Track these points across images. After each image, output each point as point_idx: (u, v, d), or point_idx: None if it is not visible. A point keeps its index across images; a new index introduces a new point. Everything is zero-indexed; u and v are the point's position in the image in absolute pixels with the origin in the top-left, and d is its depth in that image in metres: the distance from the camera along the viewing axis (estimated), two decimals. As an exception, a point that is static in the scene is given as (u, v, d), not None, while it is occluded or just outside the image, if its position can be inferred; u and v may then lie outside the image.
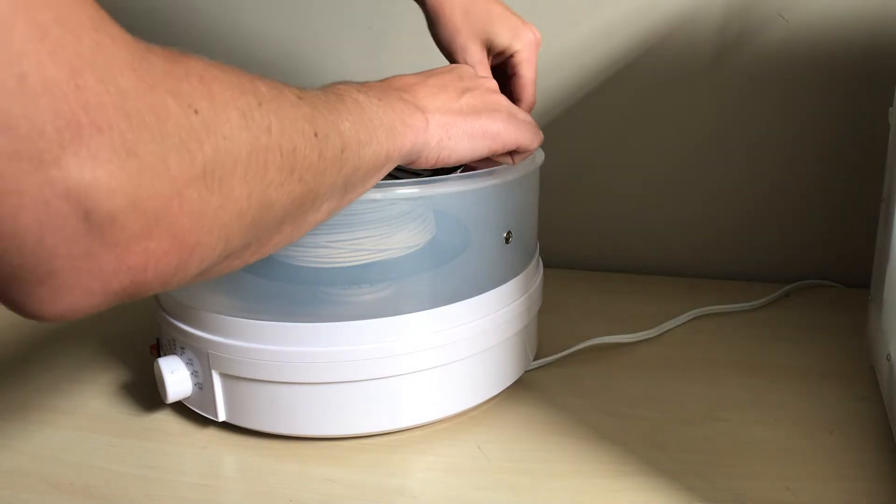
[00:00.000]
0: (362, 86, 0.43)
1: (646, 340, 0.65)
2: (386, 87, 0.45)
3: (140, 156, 0.25)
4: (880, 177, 0.60)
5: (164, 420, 0.54)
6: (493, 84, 0.53)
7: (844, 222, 0.76)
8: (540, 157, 0.58)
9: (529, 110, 0.58)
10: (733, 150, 0.77)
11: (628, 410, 0.54)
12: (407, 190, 0.49)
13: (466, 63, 0.56)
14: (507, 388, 0.56)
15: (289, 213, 0.33)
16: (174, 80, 0.26)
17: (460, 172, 0.52)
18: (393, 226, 0.51)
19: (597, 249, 0.83)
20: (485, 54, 0.57)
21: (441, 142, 0.46)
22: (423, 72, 0.50)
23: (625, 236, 0.82)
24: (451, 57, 0.57)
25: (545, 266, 0.62)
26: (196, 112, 0.27)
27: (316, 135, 0.34)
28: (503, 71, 0.58)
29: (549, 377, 0.59)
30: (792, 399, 0.55)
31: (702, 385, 0.58)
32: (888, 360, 0.49)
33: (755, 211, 0.78)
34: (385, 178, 0.52)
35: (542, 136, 0.53)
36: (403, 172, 0.54)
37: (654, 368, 0.60)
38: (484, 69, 0.56)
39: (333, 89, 0.40)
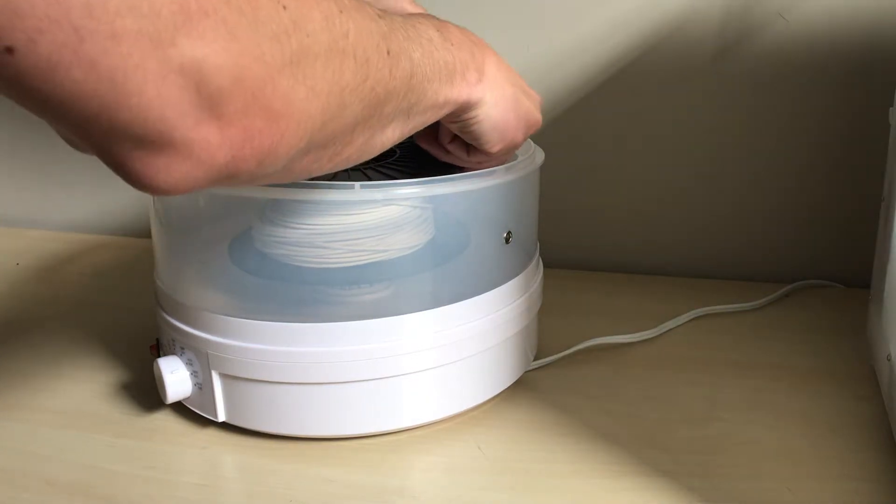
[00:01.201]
0: (441, 25, 0.45)
1: (646, 340, 0.65)
2: (462, 34, 0.46)
3: (240, 40, 0.27)
4: (880, 177, 0.60)
5: (164, 420, 0.54)
6: (540, 104, 0.53)
7: (844, 222, 0.76)
8: (540, 157, 0.58)
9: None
10: (733, 150, 0.77)
11: (628, 410, 0.54)
12: (407, 190, 0.49)
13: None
14: (507, 388, 0.56)
15: (361, 120, 0.36)
16: None
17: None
18: (393, 225, 0.51)
19: (597, 249, 0.83)
20: None
21: (481, 110, 0.46)
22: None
23: (625, 236, 0.82)
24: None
25: (545, 266, 0.62)
26: (284, 8, 0.29)
27: (388, 52, 0.36)
28: None
29: (549, 377, 0.59)
30: (792, 399, 0.55)
31: (702, 385, 0.58)
32: (888, 360, 0.50)
33: (755, 211, 0.78)
34: (384, 179, 0.52)
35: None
36: (400, 172, 0.54)
37: (654, 368, 0.60)
38: None
39: (414, 20, 0.42)
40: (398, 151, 0.59)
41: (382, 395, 0.50)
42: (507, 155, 0.53)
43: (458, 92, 0.44)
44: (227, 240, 0.55)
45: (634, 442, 0.51)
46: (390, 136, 0.40)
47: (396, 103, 0.38)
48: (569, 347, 0.61)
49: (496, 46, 0.81)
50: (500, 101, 0.47)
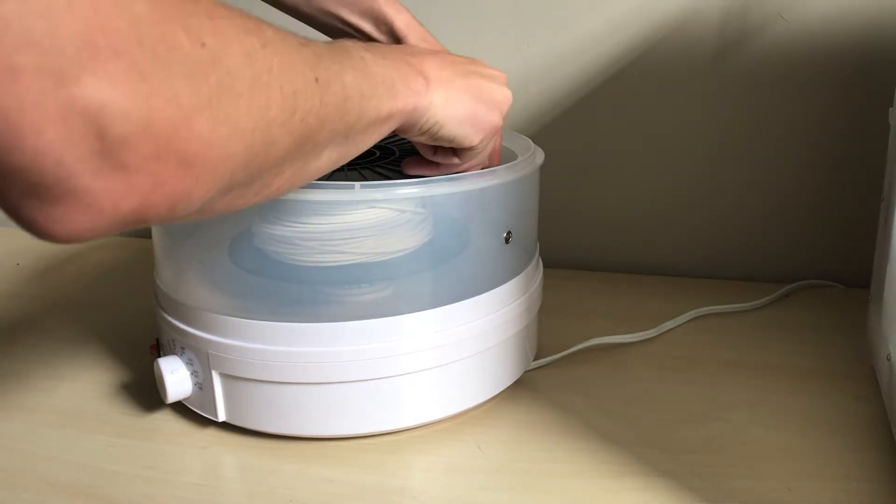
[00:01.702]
0: (370, 45, 0.44)
1: (646, 340, 0.65)
2: (394, 49, 0.46)
3: (151, 81, 0.26)
4: (880, 177, 0.60)
5: (164, 420, 0.54)
6: (505, 80, 0.52)
7: (844, 222, 0.76)
8: (540, 157, 0.58)
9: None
10: (733, 150, 0.77)
11: (628, 410, 0.54)
12: (407, 190, 0.49)
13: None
14: (507, 388, 0.56)
15: (290, 154, 0.34)
16: (185, 13, 0.27)
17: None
18: (392, 225, 0.51)
19: (597, 249, 0.83)
20: None
21: (437, 113, 0.46)
22: (438, 50, 0.50)
23: (625, 236, 0.82)
24: None
25: (545, 266, 0.62)
26: (203, 45, 0.28)
27: (317, 80, 0.35)
28: None
29: (549, 377, 0.59)
30: (792, 399, 0.55)
31: (702, 385, 0.58)
32: (888, 360, 0.50)
33: (755, 211, 0.78)
34: (384, 178, 0.52)
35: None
36: (400, 172, 0.54)
37: (654, 368, 0.60)
38: None
39: (340, 44, 0.41)
40: (397, 151, 0.59)
41: (382, 395, 0.50)
42: (492, 140, 0.51)
43: (403, 102, 0.43)
44: (227, 240, 0.55)
45: (634, 442, 0.51)
46: (326, 160, 0.39)
47: (331, 128, 0.37)
48: (569, 347, 0.61)
49: (496, 46, 0.81)
50: (453, 97, 0.46)
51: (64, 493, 0.47)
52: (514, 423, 0.53)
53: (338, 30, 0.55)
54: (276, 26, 0.34)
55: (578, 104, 0.79)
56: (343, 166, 0.55)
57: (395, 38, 0.53)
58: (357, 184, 0.47)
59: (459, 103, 0.47)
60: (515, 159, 0.55)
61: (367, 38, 0.54)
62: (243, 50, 0.30)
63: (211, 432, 0.53)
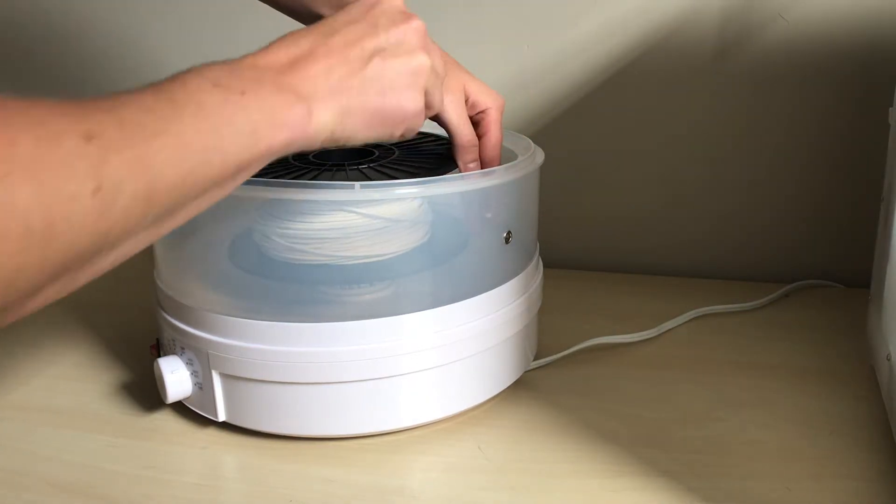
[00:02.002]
0: (227, 71, 0.37)
1: (646, 340, 0.65)
2: (263, 68, 0.38)
3: None
4: (880, 177, 0.60)
5: (164, 420, 0.54)
6: (418, 26, 0.44)
7: (844, 222, 0.76)
8: (540, 157, 0.58)
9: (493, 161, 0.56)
10: (733, 151, 0.77)
11: (628, 410, 0.54)
12: (407, 190, 0.49)
13: (455, 125, 0.52)
14: (507, 388, 0.56)
15: (46, 281, 0.29)
16: None
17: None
18: (392, 225, 0.51)
19: (597, 249, 0.83)
20: (465, 114, 0.54)
21: (334, 132, 0.40)
22: (329, 21, 0.42)
23: (625, 236, 0.82)
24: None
25: (545, 266, 0.62)
26: None
27: (99, 189, 0.29)
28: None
29: (549, 377, 0.59)
30: (792, 399, 0.55)
31: (702, 385, 0.58)
32: (888, 360, 0.49)
33: (755, 211, 0.78)
34: (383, 178, 0.52)
35: (470, 137, 0.52)
36: (400, 172, 0.54)
37: (654, 368, 0.60)
38: (469, 131, 0.54)
39: (174, 89, 0.34)
40: (397, 151, 0.59)
41: (382, 395, 0.50)
42: (443, 93, 0.47)
43: (267, 144, 0.37)
44: (227, 240, 0.55)
45: (634, 442, 0.51)
46: (126, 253, 0.34)
47: (119, 233, 0.31)
48: (569, 347, 0.61)
49: (496, 47, 0.81)
50: (350, 107, 0.41)
51: (64, 492, 0.47)
52: (514, 423, 0.53)
53: None
54: (60, 119, 0.29)
55: (578, 104, 0.79)
56: (343, 166, 0.55)
57: None
58: (357, 184, 0.47)
59: (359, 109, 0.41)
60: (515, 159, 0.55)
61: None
62: None
63: (211, 432, 0.53)
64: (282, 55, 0.39)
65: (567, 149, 0.80)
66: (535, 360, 0.60)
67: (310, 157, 0.57)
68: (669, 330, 0.66)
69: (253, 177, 0.51)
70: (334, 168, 0.54)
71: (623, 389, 0.57)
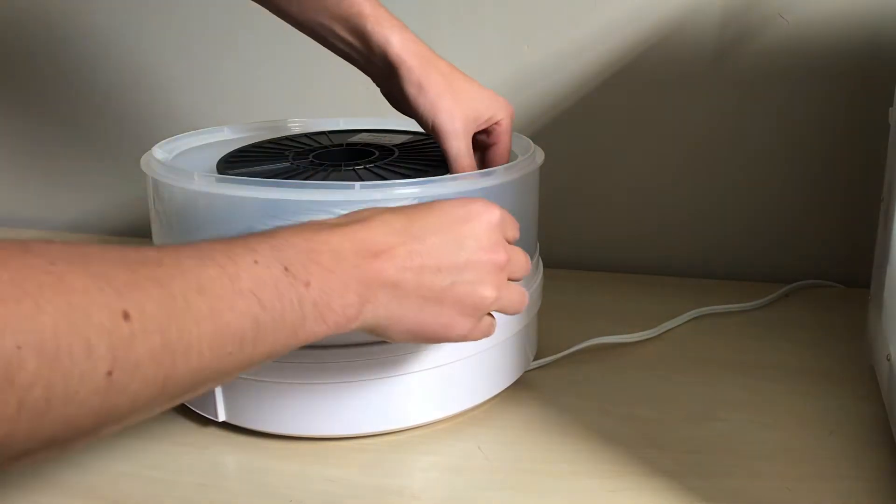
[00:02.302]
0: (304, 253, 0.36)
1: (646, 340, 0.65)
2: (343, 256, 0.38)
3: None
4: (880, 177, 0.60)
5: (164, 420, 0.54)
6: (498, 261, 0.43)
7: (844, 222, 0.76)
8: (540, 156, 0.58)
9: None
10: (733, 150, 0.77)
11: (628, 410, 0.54)
12: (407, 190, 0.49)
13: (454, 155, 0.53)
14: (507, 388, 0.56)
15: (36, 448, 0.28)
16: None
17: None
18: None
19: (597, 249, 0.83)
20: (469, 132, 0.54)
21: (372, 329, 0.40)
22: (420, 215, 0.42)
23: (625, 236, 0.82)
24: (425, 127, 0.54)
25: (545, 266, 0.62)
26: None
27: (113, 371, 0.28)
28: (479, 139, 0.57)
29: (549, 377, 0.59)
30: (792, 399, 0.55)
31: (702, 385, 0.58)
32: (888, 360, 0.49)
33: (755, 211, 0.78)
34: (383, 179, 0.52)
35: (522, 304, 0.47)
36: (400, 172, 0.54)
37: (654, 368, 0.60)
38: (469, 161, 0.54)
39: (242, 264, 0.33)
40: (397, 151, 0.59)
41: (382, 395, 0.50)
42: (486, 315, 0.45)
43: (310, 334, 0.36)
44: (227, 240, 0.55)
45: (634, 442, 0.51)
46: (186, 399, 0.33)
47: (149, 404, 0.30)
48: (569, 347, 0.61)
49: (496, 47, 0.81)
50: (404, 319, 0.40)
51: (64, 493, 0.47)
52: (514, 423, 0.53)
53: (333, 46, 0.55)
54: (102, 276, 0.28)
55: (578, 104, 0.79)
56: (343, 166, 0.55)
57: (389, 63, 0.52)
58: (357, 184, 0.47)
59: (408, 321, 0.41)
60: (515, 159, 0.55)
61: (362, 56, 0.54)
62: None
63: (211, 432, 0.53)
64: (370, 242, 0.39)
65: (567, 149, 0.80)
66: (535, 360, 0.60)
67: (310, 157, 0.58)
68: (669, 330, 0.66)
69: (253, 177, 0.51)
70: (335, 168, 0.54)
71: (623, 389, 0.57)
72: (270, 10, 0.56)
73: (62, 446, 0.28)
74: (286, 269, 0.35)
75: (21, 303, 0.25)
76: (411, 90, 0.53)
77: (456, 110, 0.53)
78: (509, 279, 0.45)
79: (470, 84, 0.55)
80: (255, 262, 0.34)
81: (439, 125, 0.53)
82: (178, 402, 0.32)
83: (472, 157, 0.55)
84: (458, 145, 0.53)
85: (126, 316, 0.28)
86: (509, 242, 0.45)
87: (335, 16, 0.53)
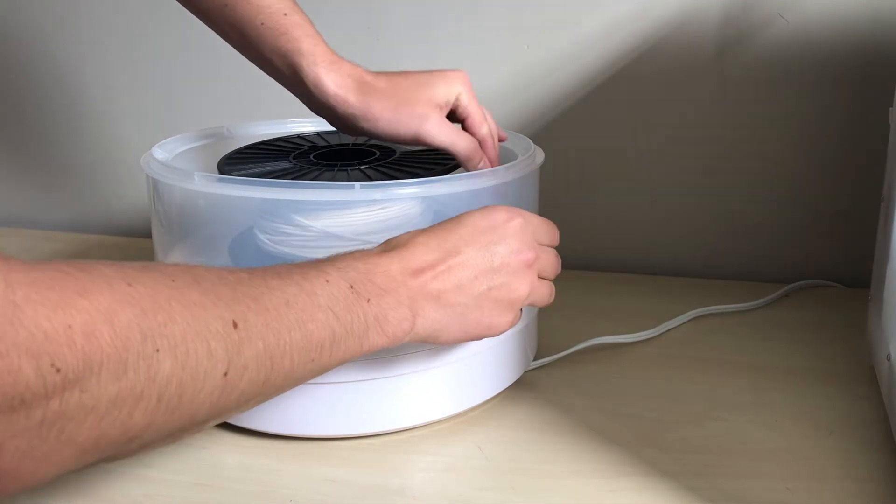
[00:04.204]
0: (363, 273, 0.41)
1: (646, 340, 0.65)
2: (392, 277, 0.42)
3: None
4: (880, 177, 0.60)
5: (164, 420, 0.54)
6: (528, 260, 0.47)
7: (844, 222, 0.76)
8: (540, 156, 0.58)
9: (497, 139, 0.58)
10: (733, 150, 0.77)
11: (628, 410, 0.54)
12: (407, 190, 0.49)
13: (454, 149, 0.54)
14: (507, 388, 0.56)
15: (163, 438, 0.33)
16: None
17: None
18: (393, 225, 0.51)
19: (597, 249, 0.83)
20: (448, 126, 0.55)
21: (422, 338, 0.44)
22: (452, 230, 0.46)
23: (625, 236, 0.82)
24: (409, 144, 0.55)
25: (545, 266, 0.62)
26: (57, 370, 0.27)
27: (228, 372, 0.33)
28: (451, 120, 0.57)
29: (549, 377, 0.59)
30: (792, 399, 0.55)
31: (702, 385, 0.58)
32: (888, 360, 0.49)
33: (755, 211, 0.78)
34: (383, 178, 0.52)
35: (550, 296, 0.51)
36: (400, 172, 0.54)
37: (654, 368, 0.60)
38: (466, 141, 0.55)
39: (316, 282, 0.39)
40: (398, 151, 0.59)
41: (382, 395, 0.50)
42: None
43: (373, 345, 0.41)
44: (227, 240, 0.55)
45: (634, 442, 0.51)
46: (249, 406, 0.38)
47: (251, 400, 0.36)
48: (569, 347, 0.61)
49: (496, 47, 0.81)
50: (451, 325, 0.45)
51: (63, 493, 0.47)
52: (514, 423, 0.53)
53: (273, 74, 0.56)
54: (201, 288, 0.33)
55: (578, 104, 0.79)
56: (344, 166, 0.55)
57: (333, 108, 0.53)
58: (357, 184, 0.47)
59: (454, 327, 0.45)
60: (515, 159, 0.55)
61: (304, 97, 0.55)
62: (119, 367, 0.29)
63: (211, 432, 0.53)
64: (412, 262, 0.43)
65: (567, 149, 0.80)
66: (535, 360, 0.60)
67: (311, 157, 0.58)
68: (669, 330, 0.66)
69: (253, 177, 0.51)
70: (335, 168, 0.54)
71: (623, 389, 0.57)
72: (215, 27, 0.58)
73: (179, 437, 0.34)
74: (351, 286, 0.40)
75: (157, 314, 0.30)
76: (366, 126, 0.54)
77: (415, 117, 0.53)
78: (541, 278, 0.49)
79: (414, 80, 0.55)
80: (327, 281, 0.39)
81: (419, 138, 0.54)
82: (265, 401, 0.38)
83: (462, 134, 0.55)
84: (449, 140, 0.54)
85: (235, 325, 0.33)
86: (545, 245, 0.50)
87: (272, 48, 0.54)
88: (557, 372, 0.59)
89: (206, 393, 0.32)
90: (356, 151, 0.60)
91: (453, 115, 0.57)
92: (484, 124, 0.57)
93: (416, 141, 0.54)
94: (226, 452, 0.51)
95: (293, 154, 0.58)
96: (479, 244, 0.45)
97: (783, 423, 0.53)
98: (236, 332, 0.33)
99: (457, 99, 0.56)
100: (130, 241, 0.93)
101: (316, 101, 0.54)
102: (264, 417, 0.51)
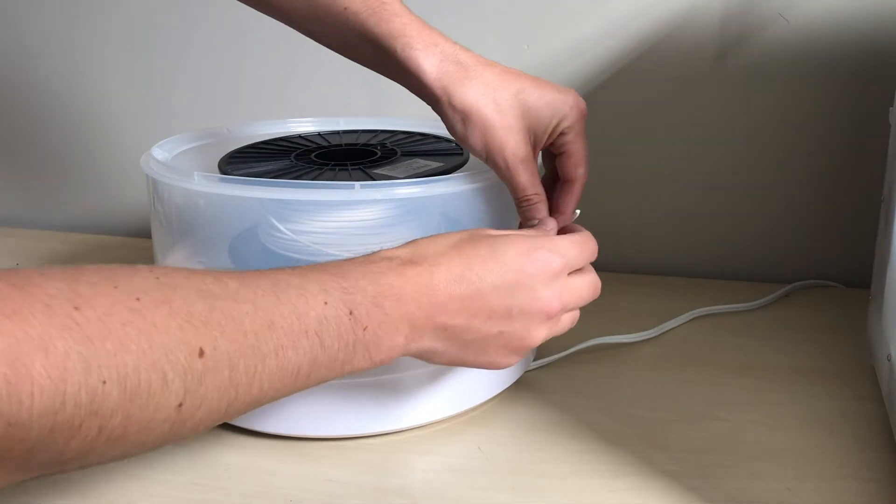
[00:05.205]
0: (370, 299, 0.38)
1: (646, 340, 0.65)
2: (403, 299, 0.39)
3: None
4: (880, 177, 0.60)
5: (164, 420, 0.54)
6: (550, 309, 0.43)
7: (844, 222, 0.76)
8: (540, 157, 0.58)
9: (583, 186, 0.52)
10: (733, 151, 0.77)
11: (628, 410, 0.54)
12: (407, 190, 0.49)
13: (520, 189, 0.49)
14: (507, 388, 0.56)
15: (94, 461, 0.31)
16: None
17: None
18: (393, 225, 0.51)
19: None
20: (531, 155, 0.49)
21: (413, 356, 0.42)
22: (483, 262, 0.42)
23: (625, 236, 0.82)
24: (479, 157, 0.50)
25: (545, 266, 0.62)
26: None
27: (183, 404, 0.31)
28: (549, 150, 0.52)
29: (549, 377, 0.59)
30: (792, 399, 0.55)
31: (702, 385, 0.58)
32: (888, 360, 0.49)
33: (755, 211, 0.78)
34: (383, 178, 0.52)
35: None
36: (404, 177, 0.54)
37: (654, 368, 0.60)
38: (535, 182, 0.49)
39: (312, 304, 0.36)
40: (398, 151, 0.59)
41: (382, 395, 0.50)
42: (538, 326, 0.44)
43: (354, 367, 0.38)
44: (228, 240, 0.55)
45: (634, 442, 0.51)
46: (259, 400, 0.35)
47: (208, 426, 0.33)
48: (569, 347, 0.61)
49: (496, 46, 0.81)
50: (446, 353, 0.42)
51: (64, 492, 0.47)
52: (514, 423, 0.53)
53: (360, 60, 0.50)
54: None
55: (578, 104, 0.79)
56: (344, 166, 0.55)
57: (425, 93, 0.48)
58: (357, 184, 0.47)
59: (450, 355, 0.43)
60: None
61: (397, 77, 0.49)
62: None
63: (210, 432, 0.53)
64: (429, 289, 0.40)
65: (567, 149, 0.79)
66: (535, 360, 0.60)
67: (312, 156, 0.58)
68: (669, 330, 0.66)
69: (254, 177, 0.51)
70: (336, 168, 0.54)
71: (623, 389, 0.57)
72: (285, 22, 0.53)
73: (126, 458, 0.31)
74: (351, 312, 0.37)
75: (107, 341, 0.28)
76: (457, 126, 0.48)
77: (510, 141, 0.47)
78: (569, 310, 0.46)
79: (526, 91, 0.48)
80: (325, 302, 0.36)
81: (494, 163, 0.48)
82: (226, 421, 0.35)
83: (538, 185, 0.50)
84: (519, 181, 0.48)
85: (201, 353, 0.31)
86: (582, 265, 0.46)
87: (362, 34, 0.48)
88: (557, 372, 0.59)
89: (157, 424, 0.30)
90: (357, 151, 0.60)
91: (553, 145, 0.51)
92: (581, 169, 0.51)
93: (490, 165, 0.49)
94: (226, 452, 0.51)
95: (294, 154, 0.58)
96: (504, 283, 0.42)
97: (783, 423, 0.53)
98: (201, 360, 0.31)
99: (563, 133, 0.49)
100: (130, 241, 0.93)
101: (410, 82, 0.48)
102: (264, 417, 0.51)
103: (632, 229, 0.82)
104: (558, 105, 0.48)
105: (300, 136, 0.65)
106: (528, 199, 0.49)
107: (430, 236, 0.43)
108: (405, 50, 0.46)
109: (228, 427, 0.52)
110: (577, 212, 0.53)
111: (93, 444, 0.28)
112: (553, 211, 0.52)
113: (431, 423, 0.53)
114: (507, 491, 0.46)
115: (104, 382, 0.27)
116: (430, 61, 0.47)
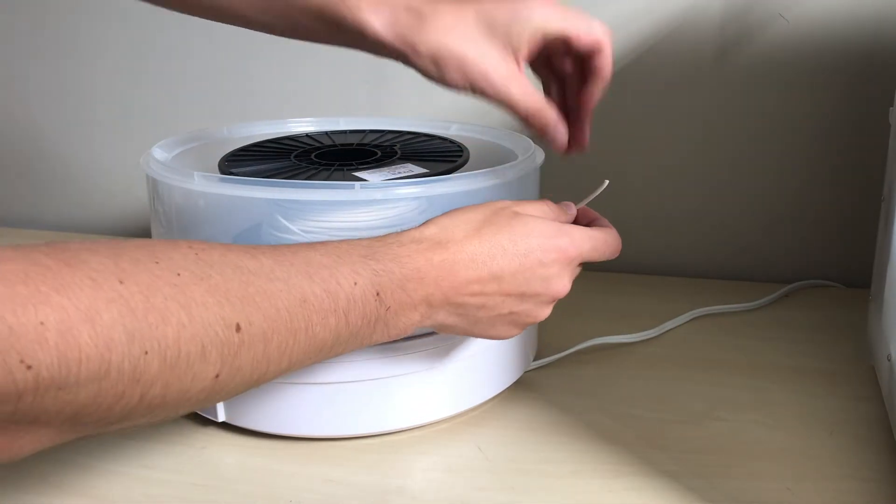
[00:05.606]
0: (397, 280, 0.39)
1: (646, 340, 0.65)
2: (425, 279, 0.41)
3: None
4: (880, 177, 0.60)
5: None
6: (557, 294, 0.46)
7: (844, 222, 0.76)
8: (540, 156, 0.58)
9: (604, 82, 0.50)
10: (733, 151, 0.77)
11: (628, 410, 0.54)
12: (407, 189, 0.49)
13: (511, 100, 0.46)
14: (507, 388, 0.56)
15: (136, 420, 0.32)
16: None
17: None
18: (393, 225, 0.51)
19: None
20: (515, 70, 0.46)
21: (424, 327, 0.43)
22: (504, 251, 0.43)
23: (625, 236, 0.82)
24: (479, 94, 0.47)
25: (545, 266, 0.62)
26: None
27: (219, 375, 0.32)
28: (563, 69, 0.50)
29: (549, 377, 0.59)
30: (792, 399, 0.55)
31: (702, 385, 0.58)
32: (888, 360, 0.49)
33: (755, 211, 0.78)
34: (384, 178, 0.52)
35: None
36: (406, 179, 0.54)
37: (654, 368, 0.60)
38: (530, 92, 0.47)
39: (343, 283, 0.37)
40: (398, 151, 0.59)
41: (382, 395, 0.50)
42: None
43: (379, 339, 0.40)
44: (228, 239, 0.55)
45: (634, 442, 0.51)
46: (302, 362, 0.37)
47: (239, 393, 0.35)
48: (569, 347, 0.61)
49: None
50: (457, 326, 0.44)
51: (64, 492, 0.47)
52: (514, 423, 0.53)
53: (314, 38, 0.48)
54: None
55: (578, 104, 0.79)
56: (345, 166, 0.55)
57: (386, 52, 0.46)
58: (357, 184, 0.47)
59: (460, 328, 0.44)
60: (515, 159, 0.55)
61: (353, 44, 0.47)
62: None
63: (211, 432, 0.53)
64: (452, 273, 0.41)
65: (567, 149, 0.79)
66: (535, 360, 0.60)
67: (312, 156, 0.58)
68: (669, 330, 0.66)
69: (254, 177, 0.51)
70: (336, 168, 0.54)
71: (623, 389, 0.57)
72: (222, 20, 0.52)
73: (164, 422, 0.35)
74: (378, 294, 0.39)
75: (149, 314, 0.29)
76: (431, 71, 0.46)
77: (488, 65, 0.45)
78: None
79: (485, 11, 0.46)
80: (355, 283, 0.38)
81: (482, 91, 0.46)
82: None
83: (535, 93, 0.47)
84: (513, 97, 0.46)
85: (238, 328, 0.32)
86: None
87: (311, 12, 0.46)
88: (557, 372, 0.59)
89: (194, 393, 0.32)
90: (358, 151, 0.60)
91: (565, 63, 0.50)
92: (590, 52, 0.48)
93: (480, 95, 0.47)
94: (226, 452, 0.51)
95: (294, 153, 0.58)
96: (521, 273, 0.43)
97: (783, 423, 0.53)
98: (238, 335, 0.32)
99: (570, 39, 0.47)
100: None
101: (365, 47, 0.47)
102: (264, 417, 0.51)
103: (632, 229, 0.82)
104: (521, 10, 0.46)
105: (300, 136, 0.65)
106: (529, 112, 0.47)
107: (454, 214, 0.44)
108: (354, 14, 0.45)
109: (228, 427, 0.52)
110: (606, 182, 0.53)
111: (134, 410, 0.30)
112: (573, 113, 0.52)
113: (431, 423, 0.53)
114: (507, 491, 0.46)
115: (146, 353, 0.29)
116: (380, 19, 0.45)
